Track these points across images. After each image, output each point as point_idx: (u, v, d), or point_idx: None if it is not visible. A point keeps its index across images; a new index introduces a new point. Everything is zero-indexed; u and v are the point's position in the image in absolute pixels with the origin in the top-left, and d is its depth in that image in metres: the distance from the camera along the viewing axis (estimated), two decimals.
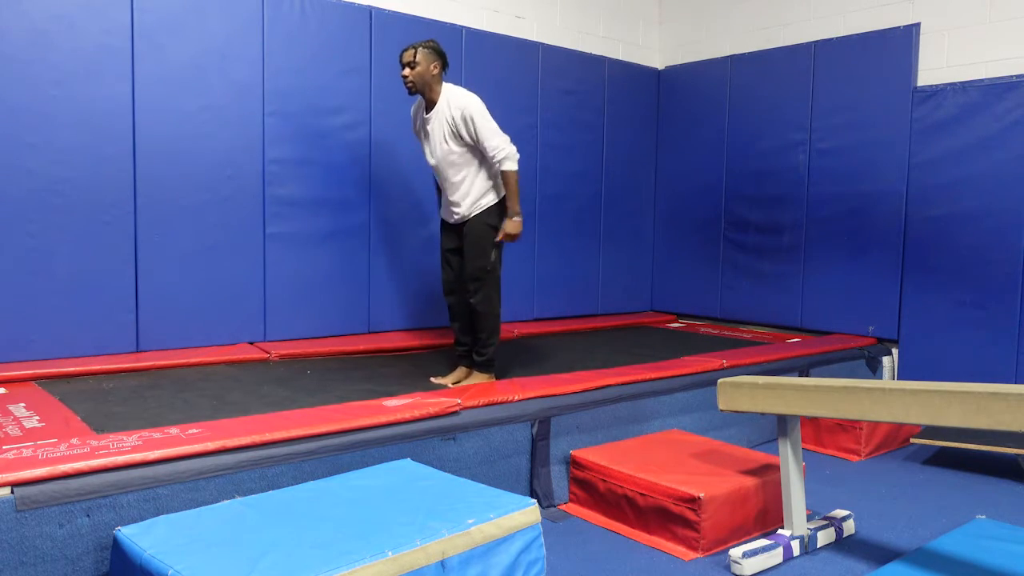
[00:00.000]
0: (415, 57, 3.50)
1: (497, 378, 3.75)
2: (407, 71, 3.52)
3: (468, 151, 3.55)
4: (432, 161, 3.68)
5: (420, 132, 3.71)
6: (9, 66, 3.54)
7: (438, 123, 3.56)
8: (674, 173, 6.25)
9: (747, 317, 5.81)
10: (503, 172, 3.53)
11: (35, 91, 3.61)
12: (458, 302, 3.76)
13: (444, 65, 3.58)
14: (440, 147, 3.58)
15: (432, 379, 3.76)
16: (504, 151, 3.49)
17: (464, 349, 3.82)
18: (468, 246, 3.62)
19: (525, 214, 5.39)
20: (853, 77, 5.11)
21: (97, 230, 3.80)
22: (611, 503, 3.12)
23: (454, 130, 3.52)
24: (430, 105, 3.59)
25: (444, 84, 3.59)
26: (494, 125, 3.52)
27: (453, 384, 3.69)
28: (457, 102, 3.51)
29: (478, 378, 3.69)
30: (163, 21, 3.92)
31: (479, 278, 3.60)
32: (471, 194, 3.60)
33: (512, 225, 3.58)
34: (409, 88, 3.54)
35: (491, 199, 3.60)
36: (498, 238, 3.59)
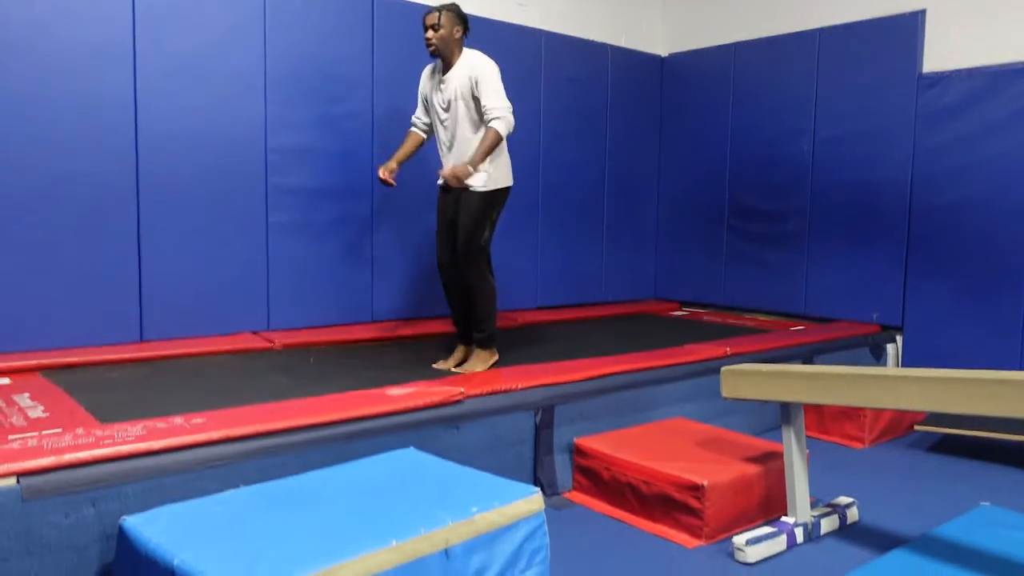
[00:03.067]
0: (439, 20, 3.55)
1: (499, 355, 3.77)
2: (430, 33, 3.57)
3: (477, 119, 3.58)
4: (424, 121, 3.79)
5: (430, 94, 3.74)
6: (10, 56, 3.53)
7: (453, 85, 3.59)
8: (678, 161, 6.23)
9: (751, 305, 5.80)
10: (488, 129, 3.52)
11: (36, 82, 3.59)
12: (451, 278, 3.78)
13: (465, 29, 3.64)
14: (451, 110, 3.61)
15: (434, 365, 3.78)
16: (499, 112, 3.50)
17: (463, 328, 3.85)
18: (462, 219, 3.63)
19: (528, 203, 5.40)
20: (858, 64, 5.08)
21: (100, 221, 3.80)
22: (615, 491, 3.13)
23: (466, 92, 3.55)
24: (447, 68, 3.63)
25: (464, 49, 3.63)
26: (500, 89, 3.54)
27: (455, 366, 3.71)
28: (475, 64, 3.55)
29: (480, 355, 3.72)
30: (164, 11, 3.91)
31: (468, 254, 3.62)
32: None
33: (460, 168, 3.52)
34: (431, 51, 3.59)
35: (491, 176, 3.62)
36: (439, 175, 3.63)
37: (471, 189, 3.61)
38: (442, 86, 3.65)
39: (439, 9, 3.58)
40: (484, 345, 3.74)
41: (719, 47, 5.89)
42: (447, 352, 3.97)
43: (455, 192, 3.67)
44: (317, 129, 4.44)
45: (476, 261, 3.64)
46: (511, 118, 3.54)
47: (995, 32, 4.58)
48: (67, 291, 3.73)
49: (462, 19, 3.61)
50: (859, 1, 5.14)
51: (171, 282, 4.02)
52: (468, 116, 3.59)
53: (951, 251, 4.72)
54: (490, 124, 3.51)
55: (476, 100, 3.55)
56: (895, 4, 4.97)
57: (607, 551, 2.76)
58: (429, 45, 3.58)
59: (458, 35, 3.60)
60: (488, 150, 3.53)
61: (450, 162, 3.68)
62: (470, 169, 3.52)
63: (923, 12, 4.83)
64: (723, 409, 3.99)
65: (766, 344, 4.43)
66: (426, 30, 3.58)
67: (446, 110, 3.64)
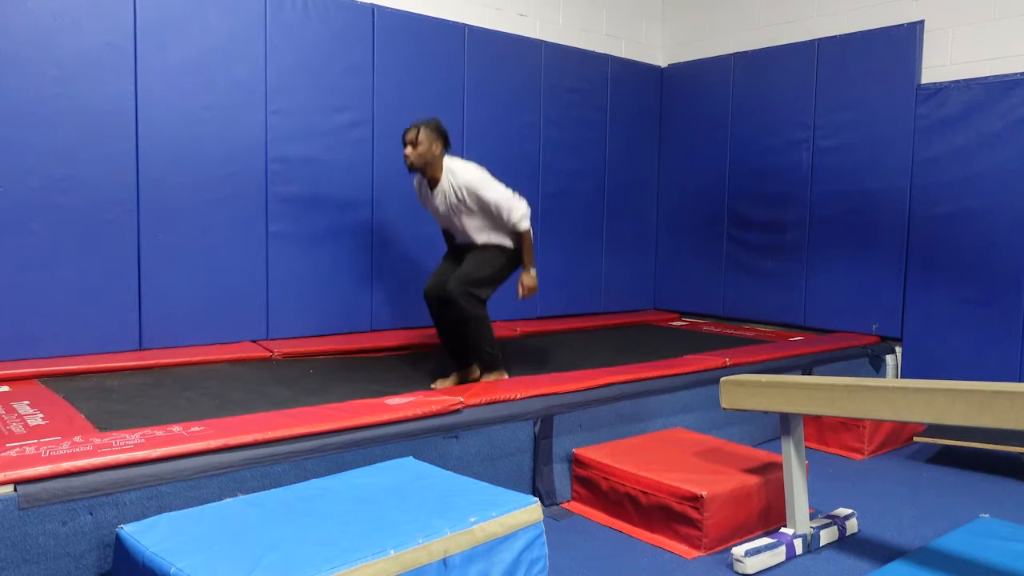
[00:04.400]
0: (418, 136, 3.46)
1: (508, 373, 3.75)
2: (409, 150, 3.47)
3: (479, 215, 3.59)
4: (443, 224, 3.79)
5: (424, 201, 3.75)
6: (11, 64, 3.54)
7: (443, 198, 3.59)
8: (677, 171, 6.24)
9: (750, 315, 5.80)
10: (519, 232, 3.57)
11: (37, 90, 3.61)
12: (440, 313, 3.69)
13: (446, 144, 3.56)
14: (451, 218, 3.64)
15: (433, 386, 3.62)
16: (517, 211, 3.52)
17: (458, 355, 3.74)
18: (473, 255, 3.62)
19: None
20: (856, 75, 5.10)
21: (100, 229, 3.80)
22: (614, 501, 3.12)
23: (459, 203, 3.55)
24: (432, 182, 3.59)
25: (444, 161, 3.57)
26: (500, 189, 3.52)
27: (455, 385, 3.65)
28: (461, 179, 3.51)
29: (489, 378, 3.66)
30: (165, 19, 3.93)
31: (465, 287, 3.50)
32: (489, 240, 3.67)
33: (528, 279, 3.62)
34: (409, 167, 3.52)
35: (507, 243, 3.67)
36: (519, 295, 3.62)
37: (497, 245, 3.65)
38: (434, 201, 3.64)
39: (418, 125, 3.48)
40: (492, 368, 3.66)
41: (718, 57, 5.91)
42: (447, 363, 3.96)
43: (469, 245, 3.69)
44: (318, 139, 4.45)
45: (473, 291, 3.53)
46: (524, 207, 3.55)
47: (993, 43, 4.61)
48: (67, 299, 3.74)
49: (442, 135, 3.51)
50: (858, 12, 5.17)
51: (171, 291, 4.02)
52: (468, 216, 3.60)
53: (950, 262, 4.72)
54: (517, 227, 3.54)
55: (473, 205, 3.54)
56: (893, 15, 5.00)
57: (606, 561, 2.75)
58: (406, 161, 3.48)
59: (437, 151, 3.50)
60: (530, 247, 3.60)
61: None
62: (532, 273, 3.63)
63: (921, 23, 4.86)
64: (722, 420, 3.99)
65: (765, 355, 4.42)
66: (405, 145, 3.48)
67: (448, 219, 3.67)
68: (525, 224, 3.55)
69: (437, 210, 3.67)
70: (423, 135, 3.46)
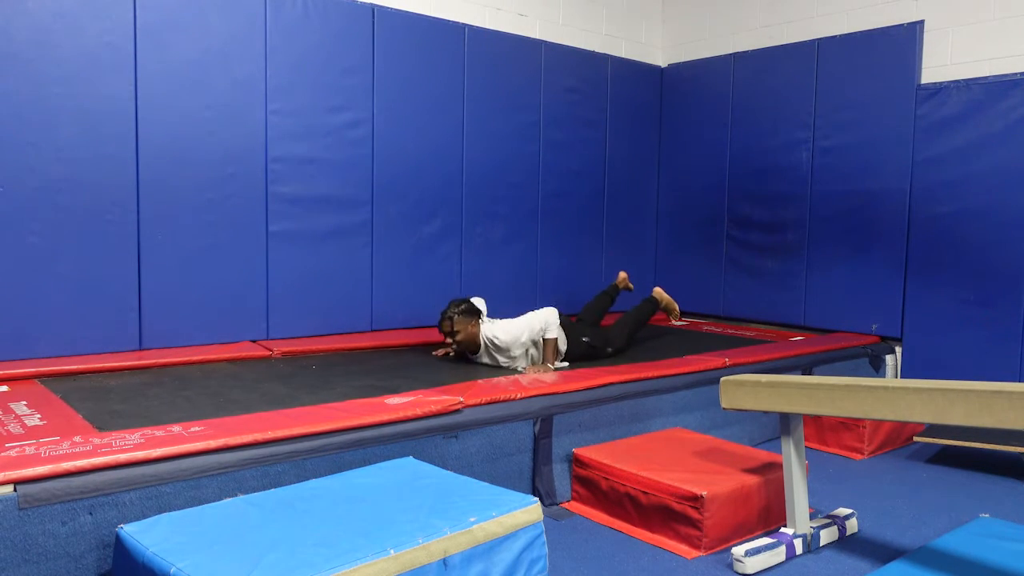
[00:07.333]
0: (453, 327, 3.89)
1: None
2: (449, 340, 3.96)
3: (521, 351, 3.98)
4: None
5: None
6: (11, 65, 3.54)
7: (488, 358, 4.02)
8: (677, 171, 6.24)
9: (750, 315, 5.80)
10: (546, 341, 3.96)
11: (37, 90, 3.61)
12: None
13: (479, 315, 3.96)
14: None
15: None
16: (545, 322, 3.93)
17: None
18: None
19: (528, 212, 5.43)
20: (856, 74, 5.10)
21: (100, 228, 3.80)
22: (613, 501, 3.12)
23: (501, 356, 3.97)
24: (475, 350, 4.00)
25: (480, 329, 3.95)
26: (522, 327, 3.92)
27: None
28: (491, 340, 3.92)
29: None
30: (165, 19, 3.92)
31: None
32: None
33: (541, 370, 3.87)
34: (463, 353, 4.02)
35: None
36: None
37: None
38: (479, 358, 4.06)
39: (448, 316, 3.90)
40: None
41: (718, 57, 5.91)
42: (447, 363, 3.97)
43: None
44: (318, 139, 4.45)
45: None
46: (550, 316, 3.93)
47: (992, 43, 4.60)
48: (66, 299, 3.73)
49: (472, 313, 3.92)
50: (858, 12, 5.17)
51: (170, 290, 4.02)
52: (511, 358, 3.97)
53: (950, 262, 4.72)
54: (546, 335, 3.92)
55: (512, 352, 3.93)
56: (893, 15, 5.00)
57: (606, 561, 2.75)
58: (457, 349, 3.98)
59: (475, 328, 3.92)
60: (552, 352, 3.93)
61: None
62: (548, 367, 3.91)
63: (921, 23, 4.85)
64: (722, 420, 3.99)
65: (765, 355, 4.42)
66: (445, 337, 3.96)
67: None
68: (552, 333, 3.91)
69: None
70: (458, 323, 3.89)
